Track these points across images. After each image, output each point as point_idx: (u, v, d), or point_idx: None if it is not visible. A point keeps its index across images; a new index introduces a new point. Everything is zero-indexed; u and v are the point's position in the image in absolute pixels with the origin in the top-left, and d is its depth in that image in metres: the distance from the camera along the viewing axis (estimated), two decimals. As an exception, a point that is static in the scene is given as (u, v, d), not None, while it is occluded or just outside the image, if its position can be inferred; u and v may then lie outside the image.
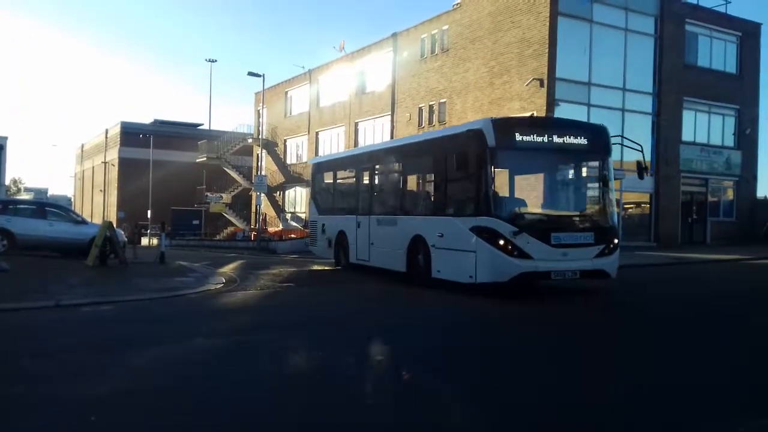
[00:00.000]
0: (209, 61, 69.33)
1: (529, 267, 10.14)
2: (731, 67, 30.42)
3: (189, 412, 4.74)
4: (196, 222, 57.59)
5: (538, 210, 11.48)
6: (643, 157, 11.60)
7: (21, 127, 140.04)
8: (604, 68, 25.86)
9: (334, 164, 18.26)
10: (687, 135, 28.74)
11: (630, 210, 28.26)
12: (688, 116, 28.78)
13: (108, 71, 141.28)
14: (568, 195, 12.31)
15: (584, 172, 11.93)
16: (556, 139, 10.69)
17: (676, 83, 27.77)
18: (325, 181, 18.34)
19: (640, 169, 11.86)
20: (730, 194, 30.91)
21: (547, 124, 13.34)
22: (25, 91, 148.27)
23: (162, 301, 11.03)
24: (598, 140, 11.25)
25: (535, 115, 23.60)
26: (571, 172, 12.15)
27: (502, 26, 26.40)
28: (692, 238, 28.83)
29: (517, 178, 12.22)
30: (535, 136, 10.59)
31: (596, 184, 11.55)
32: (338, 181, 17.48)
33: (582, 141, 10.99)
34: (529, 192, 12.38)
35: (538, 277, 10.44)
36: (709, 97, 29.10)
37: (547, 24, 24.22)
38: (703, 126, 29.61)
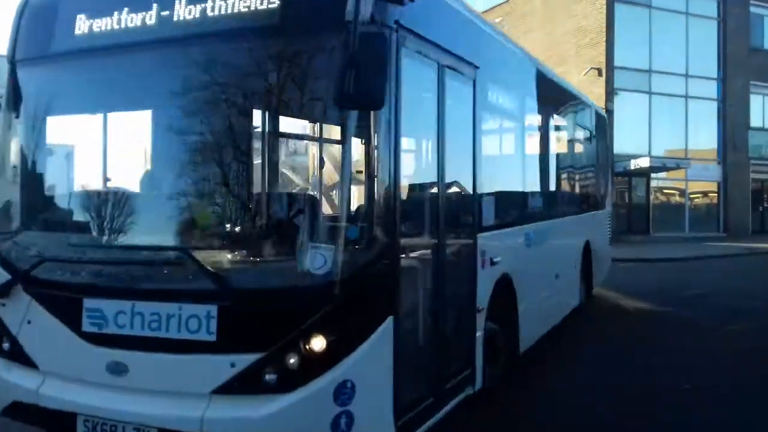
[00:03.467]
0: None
1: (21, 393, 3.74)
2: (801, 49, 29.05)
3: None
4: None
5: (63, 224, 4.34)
6: None
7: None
8: (665, 54, 25.07)
9: None
10: (755, 120, 27.55)
11: (697, 200, 27.41)
12: (755, 101, 27.58)
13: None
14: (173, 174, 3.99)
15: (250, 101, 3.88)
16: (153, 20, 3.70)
17: (742, 67, 26.66)
18: None
19: None
20: (803, 181, 29.56)
21: None
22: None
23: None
24: None
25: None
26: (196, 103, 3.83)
27: (557, 16, 25.97)
28: (764, 228, 27.72)
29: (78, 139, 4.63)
30: (86, 23, 3.89)
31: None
32: None
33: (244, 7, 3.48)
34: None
35: (55, 422, 3.70)
36: (778, 81, 27.89)
37: (604, 12, 23.74)
38: (773, 111, 28.45)
